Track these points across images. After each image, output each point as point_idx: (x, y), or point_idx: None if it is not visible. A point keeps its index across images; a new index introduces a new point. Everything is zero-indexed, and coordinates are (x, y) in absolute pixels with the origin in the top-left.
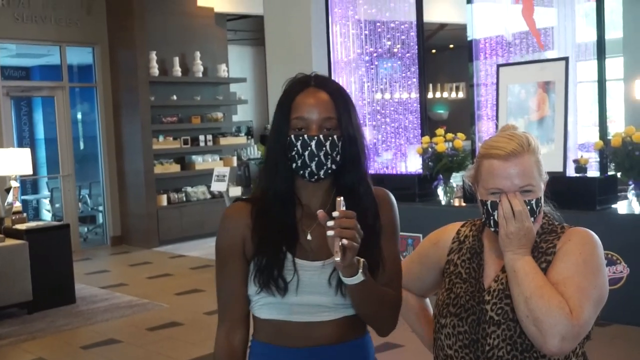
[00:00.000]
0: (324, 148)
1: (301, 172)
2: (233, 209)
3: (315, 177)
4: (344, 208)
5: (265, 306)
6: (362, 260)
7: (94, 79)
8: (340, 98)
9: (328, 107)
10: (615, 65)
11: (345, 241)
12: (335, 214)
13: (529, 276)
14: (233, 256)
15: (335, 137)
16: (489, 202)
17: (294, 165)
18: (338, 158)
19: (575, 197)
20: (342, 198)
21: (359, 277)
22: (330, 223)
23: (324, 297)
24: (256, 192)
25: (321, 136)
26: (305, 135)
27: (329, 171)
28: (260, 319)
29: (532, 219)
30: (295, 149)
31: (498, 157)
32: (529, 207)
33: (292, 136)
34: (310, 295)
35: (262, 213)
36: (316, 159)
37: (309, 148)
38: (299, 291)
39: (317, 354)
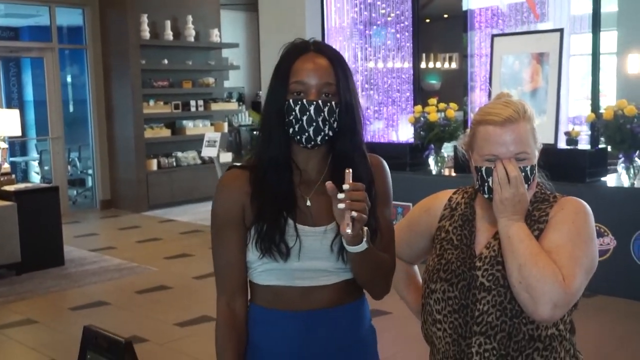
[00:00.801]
0: (322, 113)
1: (298, 137)
2: (230, 177)
3: (312, 142)
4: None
5: (265, 272)
6: (365, 229)
7: (84, 40)
8: (339, 64)
9: (327, 73)
10: (608, 39)
11: (355, 213)
12: (345, 186)
13: (524, 243)
14: (231, 224)
15: (333, 103)
16: (483, 169)
17: (290, 130)
18: (335, 125)
19: (566, 169)
20: (350, 170)
21: (363, 246)
22: (341, 196)
23: (325, 262)
24: (251, 159)
25: (320, 101)
26: (304, 100)
27: (326, 137)
28: (260, 285)
29: (526, 185)
30: (293, 113)
31: (494, 123)
32: (523, 173)
33: (291, 100)
34: (312, 260)
35: (260, 180)
36: (314, 124)
37: (307, 113)
38: (301, 256)
39: (316, 316)
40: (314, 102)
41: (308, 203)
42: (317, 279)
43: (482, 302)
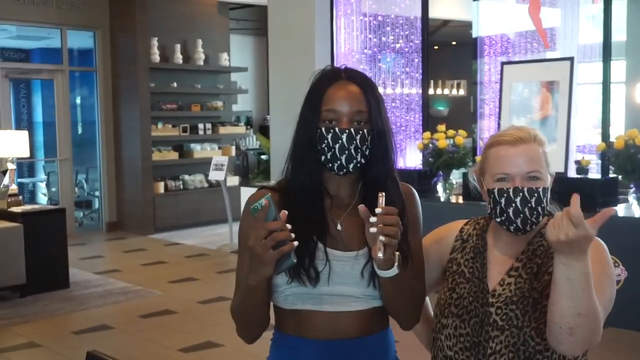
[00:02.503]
0: (355, 142)
1: (330, 165)
2: (258, 197)
3: (344, 170)
4: (384, 204)
5: (291, 296)
6: (397, 254)
7: (94, 63)
8: (370, 91)
9: (359, 100)
10: (617, 68)
11: (384, 238)
12: (378, 210)
13: (586, 292)
14: None
15: (365, 130)
16: (495, 190)
17: (322, 157)
18: (367, 152)
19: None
20: (383, 193)
21: (394, 271)
22: (373, 219)
23: (354, 288)
24: (281, 182)
25: (352, 129)
26: (337, 128)
27: (358, 165)
28: (286, 310)
29: (539, 208)
30: (326, 141)
31: (505, 143)
32: (536, 194)
33: (323, 128)
34: (342, 285)
35: (291, 203)
36: (346, 152)
37: (340, 141)
38: (331, 281)
39: (344, 346)
40: (346, 131)
41: (339, 227)
42: (345, 304)
43: (495, 341)
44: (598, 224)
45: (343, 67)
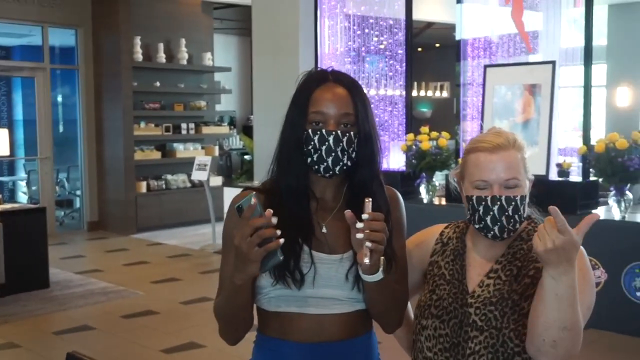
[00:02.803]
0: (341, 144)
1: (316, 166)
2: (243, 197)
3: (330, 172)
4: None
5: (275, 298)
6: (382, 258)
7: (76, 61)
8: (357, 94)
9: (346, 103)
10: (598, 72)
11: (370, 244)
12: (365, 216)
13: (573, 307)
14: None
15: (352, 133)
16: (474, 197)
17: (309, 159)
18: (354, 155)
19: (557, 201)
20: (370, 199)
21: (379, 276)
22: (360, 225)
23: (338, 291)
24: (266, 183)
25: (339, 131)
26: (324, 130)
27: (344, 167)
28: (269, 312)
29: (516, 216)
30: (312, 143)
31: (484, 150)
32: (513, 203)
33: (310, 130)
34: (326, 288)
35: (277, 204)
36: (333, 154)
37: (327, 143)
38: (315, 284)
39: (327, 349)
40: (333, 133)
41: (324, 230)
42: (329, 307)
43: (474, 342)
44: (583, 231)
45: (330, 69)
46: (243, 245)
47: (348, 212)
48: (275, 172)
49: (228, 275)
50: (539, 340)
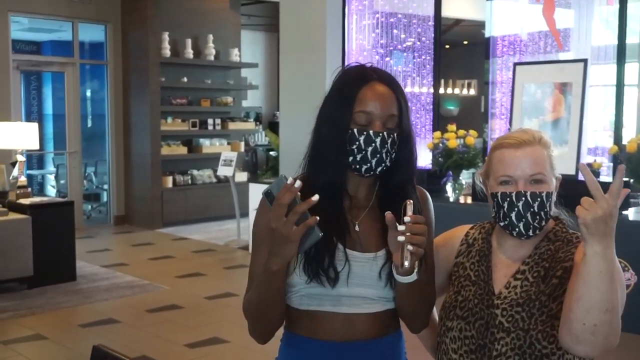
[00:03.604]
0: (386, 145)
1: (357, 166)
2: None
3: (371, 172)
4: (411, 212)
5: (307, 296)
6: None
7: (105, 56)
8: (400, 94)
9: (391, 103)
10: (630, 71)
11: (411, 247)
12: (406, 219)
13: (614, 285)
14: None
15: (395, 134)
16: (499, 194)
17: (350, 158)
18: (394, 156)
19: None
20: (412, 201)
21: (414, 277)
22: (401, 228)
23: (370, 290)
24: (297, 179)
25: (385, 133)
26: (371, 132)
27: (385, 168)
28: (299, 311)
29: (542, 212)
30: (357, 143)
31: (509, 146)
32: (539, 199)
33: (355, 130)
34: (359, 287)
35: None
36: (377, 155)
37: (373, 144)
38: (350, 282)
39: (357, 348)
40: (380, 134)
41: (357, 228)
42: (361, 306)
43: (501, 343)
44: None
45: (369, 64)
46: (280, 226)
47: (389, 214)
48: (307, 168)
49: (259, 270)
50: (578, 326)
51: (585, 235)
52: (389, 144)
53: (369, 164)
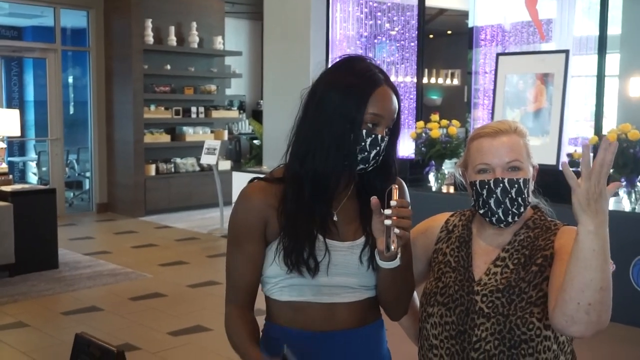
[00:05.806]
0: (382, 147)
1: (353, 164)
2: (254, 189)
3: (363, 170)
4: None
5: (288, 287)
6: None
7: (87, 43)
8: (399, 99)
9: (395, 110)
10: (610, 62)
11: (398, 231)
12: (392, 202)
13: (606, 263)
14: (250, 236)
15: (388, 138)
16: (477, 182)
17: (351, 155)
18: (384, 153)
19: (567, 191)
20: (397, 186)
21: (397, 262)
22: (388, 211)
23: (350, 278)
24: (276, 172)
25: (385, 137)
26: (378, 135)
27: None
28: (279, 301)
29: (520, 199)
30: (363, 144)
31: (486, 135)
32: (516, 185)
33: (364, 131)
34: (339, 276)
35: (296, 193)
36: (377, 157)
37: (377, 147)
38: (330, 272)
39: (338, 337)
40: (385, 139)
41: (335, 217)
42: (341, 296)
43: (481, 329)
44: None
45: (369, 60)
46: None
47: (374, 199)
48: (297, 158)
49: (236, 274)
50: (572, 306)
51: (577, 214)
52: (383, 146)
53: (367, 164)
